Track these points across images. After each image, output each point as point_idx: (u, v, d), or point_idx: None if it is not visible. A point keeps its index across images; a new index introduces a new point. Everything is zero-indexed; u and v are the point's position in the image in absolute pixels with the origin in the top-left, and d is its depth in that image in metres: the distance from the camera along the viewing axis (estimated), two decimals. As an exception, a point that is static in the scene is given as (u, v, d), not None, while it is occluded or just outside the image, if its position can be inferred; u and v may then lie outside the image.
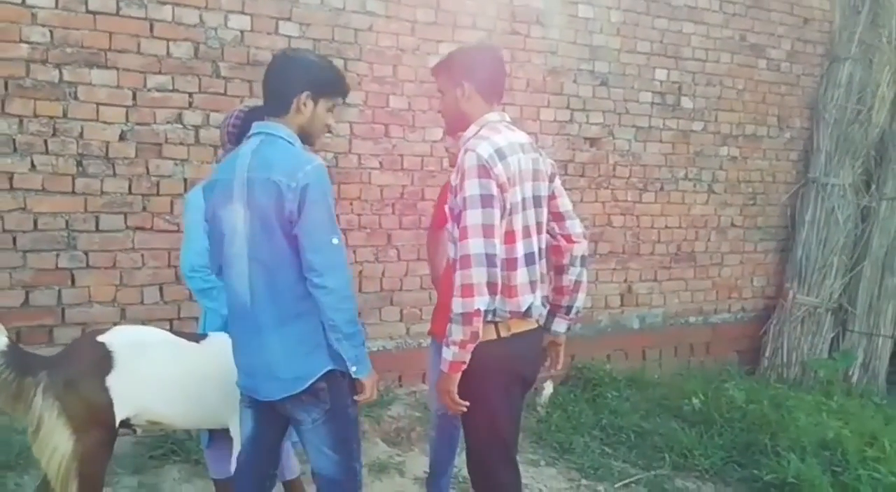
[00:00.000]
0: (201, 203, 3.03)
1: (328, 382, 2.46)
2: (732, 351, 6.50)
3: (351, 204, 4.83)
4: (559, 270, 2.84)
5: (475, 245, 2.41)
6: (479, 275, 2.41)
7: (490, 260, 2.42)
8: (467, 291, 2.42)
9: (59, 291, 4.10)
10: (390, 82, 4.89)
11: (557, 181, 2.81)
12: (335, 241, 2.39)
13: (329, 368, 2.46)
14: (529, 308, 2.62)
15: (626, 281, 5.96)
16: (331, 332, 2.41)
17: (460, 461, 3.53)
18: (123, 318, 4.20)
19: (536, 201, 2.66)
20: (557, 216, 2.81)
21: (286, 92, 2.48)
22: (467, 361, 2.50)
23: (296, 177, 2.33)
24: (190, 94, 4.31)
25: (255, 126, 2.53)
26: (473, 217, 2.43)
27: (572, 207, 2.87)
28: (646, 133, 5.95)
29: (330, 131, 4.62)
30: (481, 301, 2.43)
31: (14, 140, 3.96)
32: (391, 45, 4.88)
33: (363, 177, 4.86)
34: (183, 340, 2.99)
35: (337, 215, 4.71)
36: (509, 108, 5.29)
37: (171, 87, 4.27)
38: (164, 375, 2.83)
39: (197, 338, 3.05)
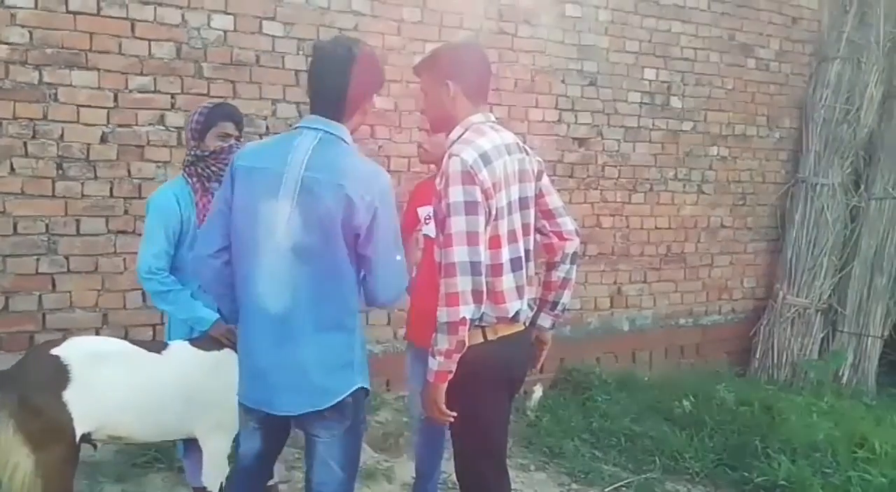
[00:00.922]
0: (168, 205, 3.00)
1: (354, 398, 2.40)
2: (723, 353, 6.48)
3: (337, 206, 4.77)
4: (549, 267, 2.81)
5: (459, 253, 2.39)
6: (463, 283, 2.39)
7: (475, 268, 2.39)
8: (452, 299, 2.40)
9: (40, 296, 4.03)
10: (376, 83, 4.83)
11: (545, 179, 2.76)
12: (399, 258, 2.37)
13: (357, 386, 2.40)
14: (517, 314, 2.59)
15: (615, 283, 5.93)
16: None
17: (448, 466, 3.48)
18: (105, 323, 4.13)
19: (523, 203, 2.62)
20: (547, 214, 2.76)
21: (356, 97, 2.37)
22: (453, 370, 2.46)
23: (371, 190, 2.25)
24: (172, 96, 4.24)
25: (309, 121, 2.38)
26: (458, 224, 2.39)
27: (562, 205, 2.81)
28: (635, 133, 5.92)
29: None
30: (466, 310, 2.40)
31: (-7, 143, 3.89)
32: (377, 45, 4.81)
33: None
34: (142, 351, 2.87)
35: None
36: (497, 108, 5.25)
37: (153, 89, 4.20)
38: (123, 387, 2.73)
39: (157, 347, 2.94)
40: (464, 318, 2.40)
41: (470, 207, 2.40)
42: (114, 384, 2.71)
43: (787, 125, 6.70)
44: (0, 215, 3.92)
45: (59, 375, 2.61)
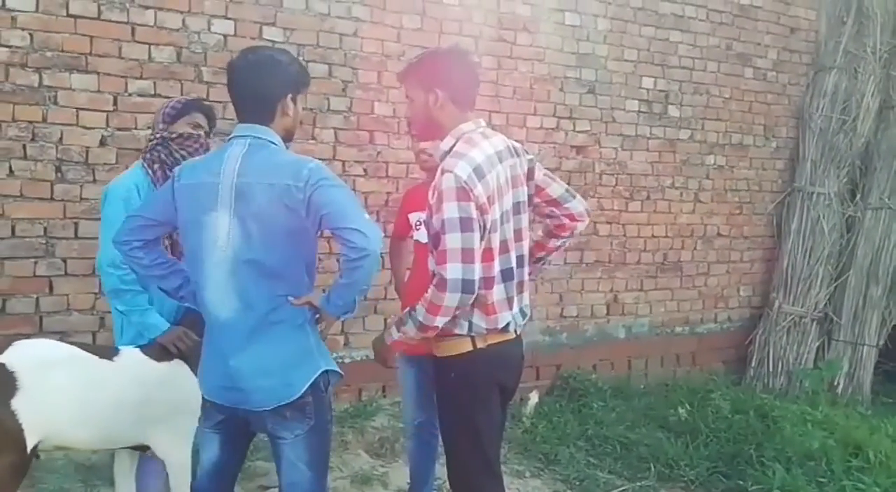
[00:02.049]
0: (129, 196, 2.90)
1: (313, 396, 2.40)
2: (718, 361, 6.49)
3: (335, 211, 4.77)
4: (552, 236, 2.88)
5: (453, 270, 2.39)
6: (451, 300, 2.41)
7: (466, 286, 2.41)
8: (434, 309, 2.44)
9: (37, 299, 4.02)
10: (375, 88, 4.85)
11: (539, 174, 2.76)
12: (367, 216, 2.34)
13: (321, 369, 2.41)
14: (507, 325, 2.61)
15: (612, 290, 5.94)
16: (350, 290, 2.38)
17: (442, 472, 3.48)
18: (103, 327, 4.13)
19: (516, 209, 2.63)
20: (553, 203, 2.80)
21: (270, 99, 2.40)
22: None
23: (300, 176, 2.28)
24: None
25: (240, 129, 2.42)
26: (453, 241, 2.39)
27: (566, 189, 2.85)
28: (632, 141, 5.93)
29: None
30: (442, 321, 2.47)
31: (-8, 145, 3.90)
32: (376, 51, 4.84)
33: (347, 183, 4.75)
34: (93, 356, 2.78)
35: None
36: (496, 115, 5.28)
37: (152, 92, 4.21)
38: (74, 394, 2.64)
39: (108, 353, 2.84)
40: (436, 327, 2.48)
41: (465, 224, 2.40)
42: (64, 392, 2.61)
43: (783, 134, 6.72)
44: (-2, 218, 3.92)
45: (7, 382, 2.52)
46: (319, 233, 2.42)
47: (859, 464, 4.48)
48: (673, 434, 4.96)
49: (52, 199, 4.02)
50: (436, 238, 2.47)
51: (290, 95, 2.42)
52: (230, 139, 2.43)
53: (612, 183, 5.87)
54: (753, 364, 6.50)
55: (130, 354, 2.85)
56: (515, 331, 2.70)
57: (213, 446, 2.54)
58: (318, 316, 2.44)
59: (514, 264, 2.61)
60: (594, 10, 5.67)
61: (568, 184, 5.60)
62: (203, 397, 2.52)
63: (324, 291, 2.44)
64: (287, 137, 2.47)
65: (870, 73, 6.57)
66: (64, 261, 4.06)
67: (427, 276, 2.80)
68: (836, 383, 6.34)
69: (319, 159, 4.62)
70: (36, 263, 4.01)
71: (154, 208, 2.54)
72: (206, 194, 2.35)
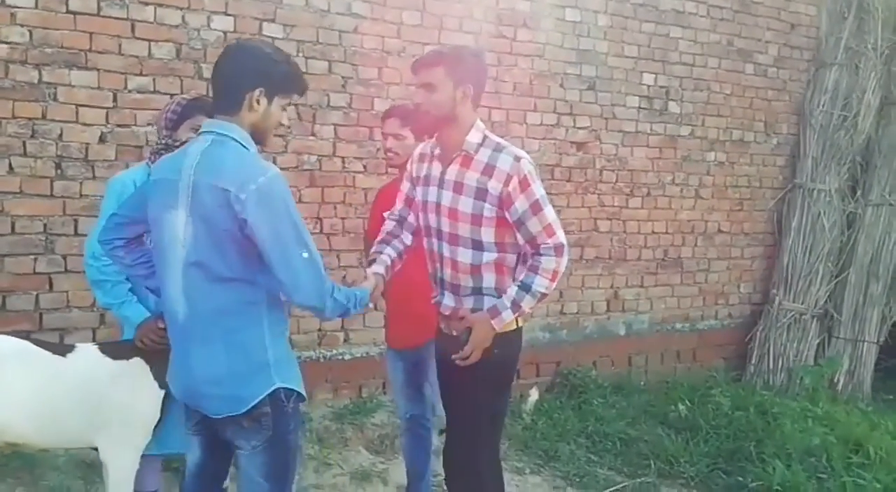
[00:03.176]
0: (126, 192, 2.84)
1: (272, 407, 2.29)
2: (719, 357, 6.48)
3: (335, 208, 4.78)
4: None
5: (561, 237, 2.68)
6: (564, 263, 2.69)
7: (567, 250, 2.71)
8: (555, 276, 2.67)
9: (37, 295, 4.02)
10: (375, 85, 4.84)
11: None
12: (305, 255, 2.21)
13: (274, 386, 2.29)
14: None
15: (612, 287, 5.94)
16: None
17: (438, 466, 3.48)
18: (103, 323, 4.13)
19: None
20: None
21: (237, 88, 2.29)
22: None
23: (246, 188, 2.14)
24: (172, 96, 4.17)
25: (206, 125, 2.34)
26: (551, 214, 2.67)
27: None
28: (633, 138, 5.93)
29: (286, 126, 4.59)
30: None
31: (-9, 142, 3.89)
32: (376, 48, 4.84)
33: (347, 180, 4.81)
34: (45, 352, 2.71)
35: (319, 219, 4.70)
36: (496, 111, 5.28)
37: (152, 89, 4.21)
38: (23, 390, 2.59)
39: (62, 350, 2.79)
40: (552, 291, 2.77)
41: (548, 200, 2.70)
42: (14, 387, 2.57)
43: (784, 131, 6.71)
44: (-2, 214, 3.92)
45: None
46: None
47: (859, 460, 4.49)
48: (673, 431, 4.97)
49: (51, 195, 4.02)
50: (520, 221, 2.65)
51: (260, 90, 2.28)
52: (198, 134, 2.37)
53: (613, 179, 5.86)
54: (754, 361, 6.49)
55: (86, 352, 2.81)
56: None
57: (194, 447, 2.49)
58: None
59: None
60: (594, 6, 5.66)
61: (568, 180, 5.70)
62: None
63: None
64: (257, 137, 2.34)
65: (871, 70, 6.55)
66: (64, 258, 4.06)
67: (418, 271, 2.89)
68: (836, 380, 6.35)
69: (319, 156, 4.70)
70: (36, 259, 4.01)
71: (131, 205, 2.51)
72: (168, 192, 2.28)
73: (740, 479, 4.37)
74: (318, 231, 4.64)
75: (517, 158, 2.64)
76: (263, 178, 2.18)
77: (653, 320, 6.17)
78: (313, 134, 4.68)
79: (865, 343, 6.41)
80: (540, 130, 5.51)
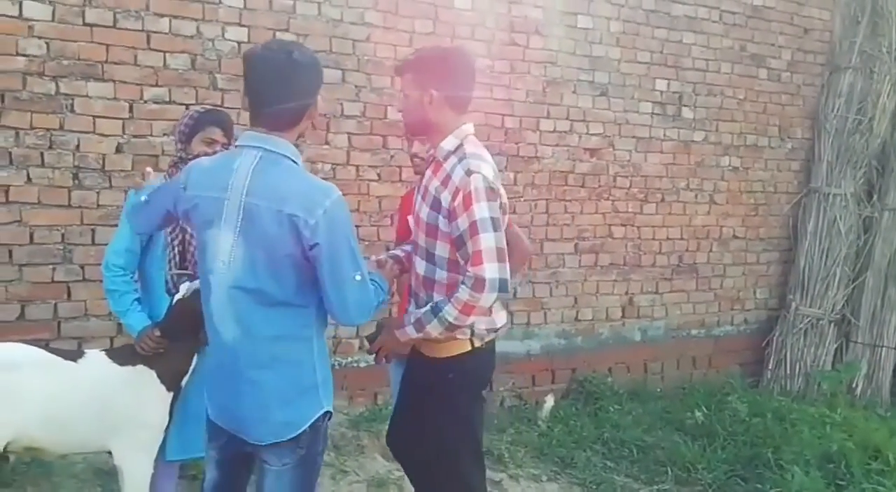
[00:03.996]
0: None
1: (311, 427, 2.28)
2: (735, 363, 6.44)
3: (349, 216, 4.79)
4: None
5: (491, 270, 2.37)
6: (487, 300, 2.40)
7: (502, 285, 2.40)
8: (469, 309, 2.42)
9: (55, 304, 4.06)
10: (388, 93, 4.86)
11: None
12: (357, 277, 2.20)
13: (323, 410, 2.31)
14: (502, 326, 2.70)
15: (627, 293, 5.92)
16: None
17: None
18: (120, 332, 4.15)
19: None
20: None
21: (303, 103, 2.21)
22: None
23: (315, 213, 2.10)
24: (187, 106, 4.25)
25: (249, 138, 2.22)
26: (487, 241, 2.38)
27: None
28: (646, 144, 5.92)
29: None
30: (472, 320, 2.47)
31: (10, 153, 3.93)
32: (389, 56, 4.85)
33: (361, 188, 4.83)
34: (58, 359, 2.78)
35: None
36: (508, 118, 5.29)
37: (167, 99, 4.24)
38: (40, 396, 2.64)
39: (73, 355, 2.87)
40: (467, 326, 2.48)
41: (496, 224, 2.41)
42: (30, 393, 2.63)
43: (799, 135, 6.68)
44: (17, 225, 3.96)
45: None
46: None
47: (878, 467, 4.45)
48: (690, 437, 4.94)
49: (69, 205, 4.06)
50: (458, 240, 2.45)
51: (317, 101, 2.27)
52: (239, 147, 2.27)
53: (627, 185, 5.85)
54: (770, 366, 6.45)
55: (94, 357, 2.87)
56: None
57: (213, 468, 2.45)
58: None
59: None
60: (606, 12, 5.66)
61: (582, 187, 5.70)
62: (208, 416, 2.42)
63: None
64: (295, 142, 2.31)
65: (885, 73, 6.52)
66: (81, 267, 4.09)
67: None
68: (854, 386, 6.30)
69: (333, 164, 4.72)
70: (54, 269, 4.05)
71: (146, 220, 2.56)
72: (211, 209, 2.21)
73: (758, 486, 4.34)
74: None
75: (468, 172, 2.44)
76: (329, 201, 2.15)
77: (668, 326, 6.15)
78: (327, 142, 4.70)
79: (884, 348, 6.36)
80: (553, 137, 5.51)
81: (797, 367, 6.35)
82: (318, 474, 2.47)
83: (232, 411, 2.32)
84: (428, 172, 2.64)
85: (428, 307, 2.52)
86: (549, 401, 5.26)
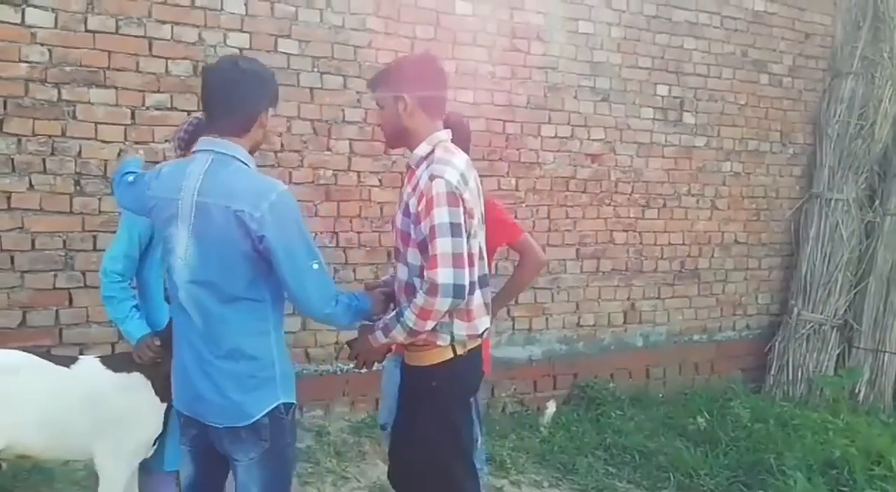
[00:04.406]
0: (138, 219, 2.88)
1: (271, 420, 2.34)
2: (737, 369, 6.44)
3: (350, 221, 4.80)
4: None
5: (444, 275, 2.38)
6: (442, 305, 2.41)
7: (458, 291, 2.40)
8: (426, 314, 2.43)
9: (57, 311, 4.07)
10: (390, 100, 4.86)
11: None
12: (315, 266, 2.30)
13: (279, 401, 2.35)
14: (485, 330, 2.67)
15: (629, 298, 5.92)
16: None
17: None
18: (122, 339, 4.11)
19: (483, 221, 2.68)
20: None
21: (253, 111, 2.33)
22: None
23: (260, 207, 2.21)
24: (189, 113, 4.26)
25: (203, 142, 2.34)
26: (444, 246, 2.39)
27: None
28: (648, 149, 5.92)
29: (303, 142, 4.63)
30: (432, 325, 2.47)
31: (12, 159, 3.94)
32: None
33: (363, 194, 4.83)
34: (51, 364, 2.80)
35: (335, 233, 4.73)
36: (510, 124, 5.29)
37: (169, 106, 4.25)
38: (32, 402, 2.65)
39: (66, 361, 2.88)
40: (427, 331, 2.48)
41: (456, 229, 2.41)
42: (23, 399, 2.64)
43: (800, 141, 6.69)
44: (18, 231, 3.97)
45: None
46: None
47: (881, 472, 4.44)
48: (692, 443, 4.94)
49: (71, 212, 4.07)
50: (422, 244, 2.47)
51: (271, 109, 2.38)
52: (194, 152, 2.38)
53: (628, 191, 5.85)
54: (773, 372, 6.45)
55: (88, 363, 2.87)
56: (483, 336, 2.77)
57: (188, 463, 2.51)
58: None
59: (487, 271, 2.68)
60: (608, 18, 5.67)
61: (583, 192, 5.70)
62: (177, 410, 2.49)
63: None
64: (253, 151, 2.41)
65: (887, 78, 6.52)
66: (83, 273, 4.10)
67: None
68: (857, 391, 6.28)
69: (334, 170, 4.72)
70: (55, 275, 4.05)
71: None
72: (168, 210, 2.33)
73: (761, 492, 4.34)
74: (334, 245, 4.66)
75: (431, 177, 2.45)
76: (275, 194, 2.26)
77: (670, 332, 6.14)
78: (329, 149, 4.71)
79: (886, 353, 6.35)
80: (554, 143, 5.51)
81: (799, 372, 6.34)
82: (290, 467, 2.50)
83: (193, 395, 2.38)
84: (405, 180, 2.67)
85: (393, 313, 2.54)
86: (551, 407, 5.25)
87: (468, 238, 2.47)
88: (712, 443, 4.88)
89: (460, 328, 2.57)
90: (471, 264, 2.48)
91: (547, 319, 5.55)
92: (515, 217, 5.29)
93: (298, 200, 4.44)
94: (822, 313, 6.38)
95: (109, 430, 2.78)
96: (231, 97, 2.32)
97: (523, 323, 5.45)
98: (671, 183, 6.05)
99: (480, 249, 2.60)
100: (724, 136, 6.28)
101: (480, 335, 2.65)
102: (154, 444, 2.90)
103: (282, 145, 4.55)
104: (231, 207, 2.22)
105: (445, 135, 2.62)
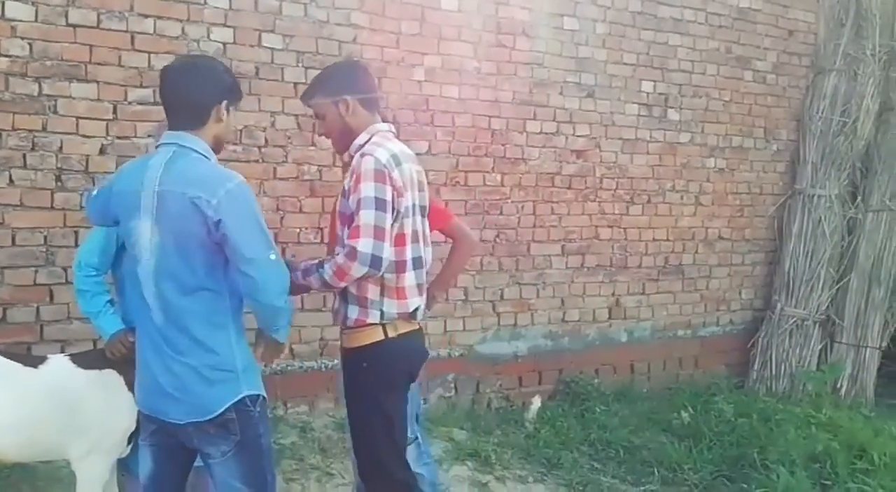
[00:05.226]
0: None
1: (237, 412, 2.37)
2: (721, 364, 6.47)
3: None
4: None
5: (364, 244, 2.50)
6: (357, 271, 2.51)
7: (374, 261, 2.51)
8: (341, 275, 2.53)
9: (38, 307, 4.02)
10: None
11: None
12: (273, 256, 2.35)
13: (242, 394, 2.38)
14: (416, 310, 2.74)
15: (613, 294, 5.93)
16: (267, 327, 2.52)
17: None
18: (104, 334, 4.12)
19: (422, 211, 2.79)
20: None
21: (204, 103, 2.41)
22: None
23: (216, 193, 2.27)
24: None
25: (167, 136, 2.43)
26: (367, 218, 2.51)
27: None
28: (632, 145, 5.93)
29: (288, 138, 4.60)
30: (343, 286, 2.60)
31: (-8, 154, 3.90)
32: (376, 58, 4.84)
33: (348, 190, 4.81)
34: (16, 364, 2.75)
35: (320, 229, 4.70)
36: (495, 120, 5.29)
37: (152, 100, 4.19)
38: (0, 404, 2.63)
39: (34, 361, 2.85)
40: (339, 287, 2.61)
41: (380, 204, 2.53)
42: None
43: (784, 137, 6.72)
44: (-1, 227, 3.93)
45: None
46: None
47: (864, 466, 4.48)
48: (676, 438, 4.96)
49: (52, 208, 4.02)
50: (350, 218, 2.57)
51: (224, 102, 2.44)
52: (157, 146, 2.46)
53: (613, 187, 5.86)
54: (756, 367, 6.48)
55: (57, 363, 2.84)
56: (419, 321, 2.83)
57: (147, 459, 2.51)
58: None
59: (422, 255, 2.76)
60: (593, 14, 5.67)
61: (568, 188, 5.70)
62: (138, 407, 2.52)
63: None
64: (216, 147, 2.48)
65: (869, 75, 6.56)
66: (64, 270, 4.04)
67: None
68: (839, 386, 6.34)
69: (319, 166, 4.70)
70: (36, 271, 4.01)
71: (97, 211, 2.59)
72: (131, 203, 2.37)
73: (744, 486, 4.36)
74: (318, 241, 4.63)
75: (362, 155, 2.62)
76: (231, 183, 2.33)
77: (655, 327, 6.16)
78: (313, 144, 4.68)
79: (868, 349, 6.41)
80: (540, 139, 5.51)
81: (782, 367, 6.38)
82: (266, 458, 2.51)
83: (154, 393, 2.40)
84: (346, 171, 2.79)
85: (315, 262, 2.64)
86: (536, 402, 5.26)
87: (397, 216, 2.58)
88: (696, 438, 4.91)
89: (391, 307, 2.67)
90: (400, 243, 2.62)
91: (532, 314, 5.55)
92: (501, 213, 5.34)
93: (283, 196, 4.46)
94: (804, 309, 6.42)
95: (83, 429, 2.74)
96: (181, 90, 2.41)
97: (508, 319, 5.45)
98: (656, 179, 6.06)
99: (415, 231, 2.71)
100: (708, 132, 6.30)
101: (412, 315, 2.72)
102: (129, 443, 2.86)
103: (266, 140, 4.52)
104: (187, 193, 2.27)
105: (386, 126, 2.78)
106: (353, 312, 2.70)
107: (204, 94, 2.41)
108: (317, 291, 2.76)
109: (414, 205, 2.71)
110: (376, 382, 2.70)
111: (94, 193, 2.66)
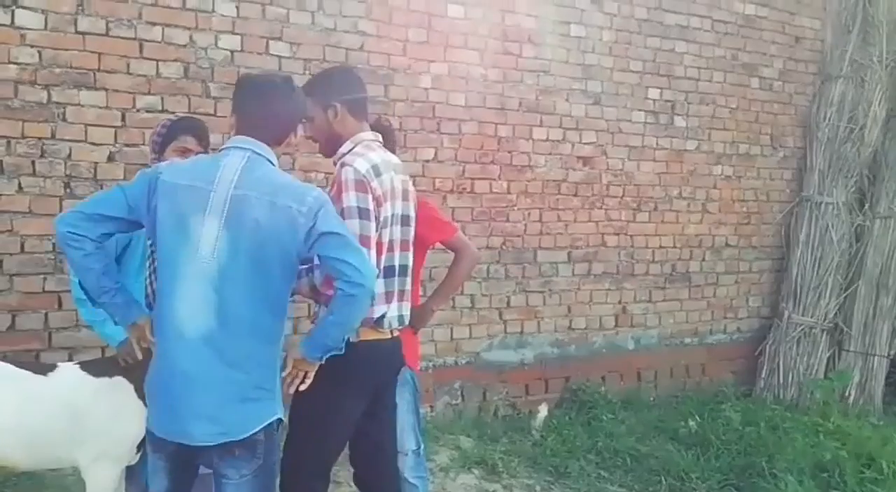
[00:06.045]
0: None
1: (266, 434, 2.29)
2: (728, 372, 6.45)
3: (342, 225, 4.78)
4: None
5: None
6: None
7: None
8: (328, 281, 2.46)
9: (46, 314, 4.03)
10: (381, 102, 4.85)
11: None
12: (364, 251, 2.37)
13: (276, 416, 2.32)
14: (382, 318, 2.69)
15: (620, 302, 5.92)
16: (338, 328, 2.34)
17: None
18: (111, 341, 4.12)
19: (404, 220, 2.80)
20: None
21: (290, 125, 2.44)
22: None
23: (305, 202, 2.25)
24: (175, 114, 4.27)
25: (238, 140, 2.35)
26: (351, 227, 2.49)
27: None
28: (639, 152, 5.93)
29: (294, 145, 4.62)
30: (332, 293, 2.49)
31: (1, 162, 3.91)
32: (382, 65, 4.85)
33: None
34: (26, 372, 2.74)
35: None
36: (502, 127, 5.29)
37: (160, 108, 4.23)
38: (5, 412, 2.61)
39: (43, 369, 2.83)
40: (327, 296, 2.50)
41: (363, 213, 2.56)
42: None
43: (791, 144, 6.71)
44: (8, 234, 3.94)
45: None
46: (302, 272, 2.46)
47: (872, 475, 4.45)
48: (683, 446, 4.94)
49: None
50: None
51: (297, 129, 2.49)
52: (226, 149, 2.36)
53: (619, 194, 5.86)
54: (764, 375, 6.46)
55: (66, 370, 2.82)
56: (391, 331, 2.78)
57: (161, 477, 2.40)
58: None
59: (396, 264, 2.76)
60: (599, 21, 5.67)
61: (575, 195, 5.70)
62: (147, 429, 2.41)
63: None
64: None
65: (876, 82, 6.55)
66: (73, 277, 4.06)
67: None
68: (847, 394, 6.30)
69: (326, 173, 4.70)
70: (45, 279, 4.02)
71: (115, 205, 2.34)
72: (195, 199, 2.24)
73: (752, 495, 4.34)
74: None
75: (342, 165, 2.64)
76: (315, 192, 2.32)
77: (661, 335, 6.15)
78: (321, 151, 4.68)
79: (876, 357, 6.38)
80: (546, 146, 5.51)
81: (790, 375, 6.35)
82: (276, 482, 2.49)
83: (179, 416, 2.26)
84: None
85: (306, 266, 2.60)
86: (543, 410, 5.25)
87: (377, 225, 2.61)
88: (703, 446, 4.89)
89: None
90: (379, 252, 2.62)
91: (538, 322, 5.55)
92: (507, 220, 5.33)
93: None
94: (812, 317, 6.40)
95: (92, 436, 2.73)
96: (276, 108, 2.39)
97: (515, 326, 5.44)
98: (662, 186, 6.06)
99: (391, 241, 2.71)
100: (714, 139, 6.30)
101: (377, 322, 2.67)
102: (139, 450, 2.85)
103: (273, 148, 4.53)
104: (277, 201, 2.24)
105: (371, 135, 2.79)
106: (321, 314, 2.66)
107: (294, 120, 2.45)
108: (307, 298, 2.77)
109: (394, 215, 2.72)
110: (325, 383, 2.53)
111: (137, 176, 2.46)
